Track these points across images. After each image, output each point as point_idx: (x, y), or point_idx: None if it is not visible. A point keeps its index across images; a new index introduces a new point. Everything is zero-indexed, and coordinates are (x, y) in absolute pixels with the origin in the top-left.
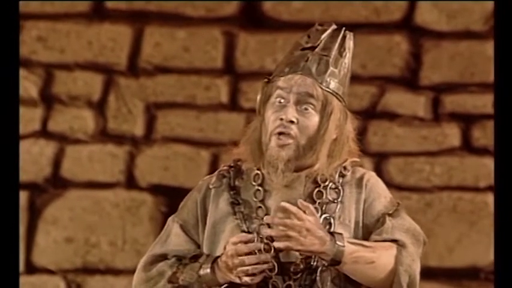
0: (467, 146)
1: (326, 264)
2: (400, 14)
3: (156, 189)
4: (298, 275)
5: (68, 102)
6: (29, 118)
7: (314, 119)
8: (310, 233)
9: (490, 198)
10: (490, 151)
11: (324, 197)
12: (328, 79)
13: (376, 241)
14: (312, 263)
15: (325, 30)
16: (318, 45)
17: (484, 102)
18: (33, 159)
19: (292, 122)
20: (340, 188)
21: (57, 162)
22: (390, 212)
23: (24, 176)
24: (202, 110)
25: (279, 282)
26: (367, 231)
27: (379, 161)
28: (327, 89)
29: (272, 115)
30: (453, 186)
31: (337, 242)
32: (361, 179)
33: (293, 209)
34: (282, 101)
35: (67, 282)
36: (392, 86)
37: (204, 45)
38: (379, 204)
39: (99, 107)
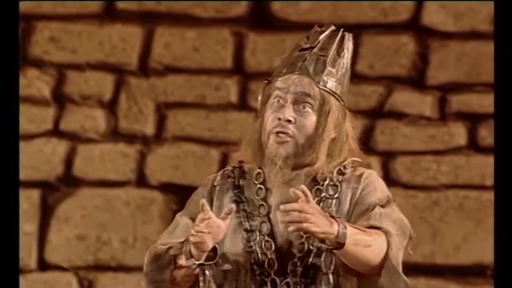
0: (474, 145)
1: (330, 248)
2: (407, 15)
3: (166, 188)
4: (296, 272)
5: (79, 102)
6: (41, 117)
7: (312, 118)
8: (322, 215)
9: None
10: None
11: (322, 194)
12: (325, 78)
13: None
14: (308, 261)
15: (323, 32)
16: (316, 45)
17: (490, 102)
18: (46, 158)
19: (289, 121)
20: (338, 184)
21: (69, 161)
22: (382, 204)
23: (36, 174)
24: (212, 110)
25: (277, 279)
26: (355, 219)
27: (387, 159)
28: (324, 88)
29: (271, 115)
30: (459, 185)
31: (340, 224)
32: (360, 175)
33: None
34: (280, 101)
35: (79, 279)
36: (400, 86)
37: (214, 45)
38: (373, 195)
39: (111, 107)
